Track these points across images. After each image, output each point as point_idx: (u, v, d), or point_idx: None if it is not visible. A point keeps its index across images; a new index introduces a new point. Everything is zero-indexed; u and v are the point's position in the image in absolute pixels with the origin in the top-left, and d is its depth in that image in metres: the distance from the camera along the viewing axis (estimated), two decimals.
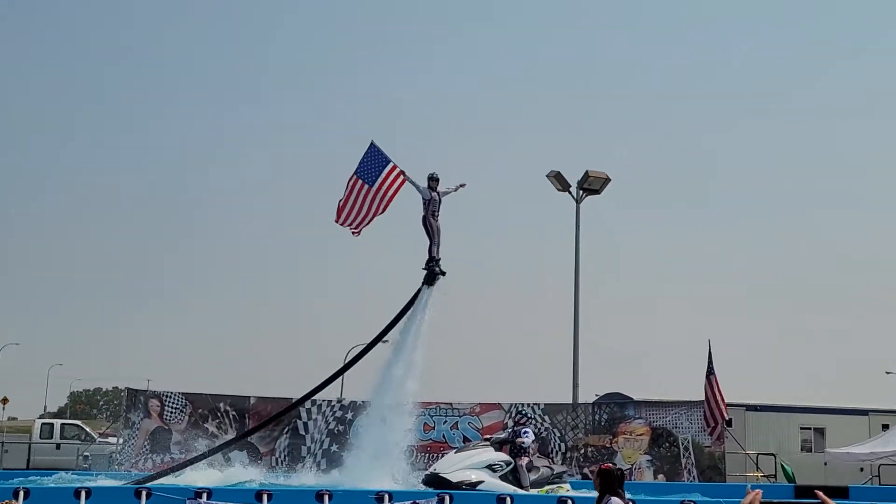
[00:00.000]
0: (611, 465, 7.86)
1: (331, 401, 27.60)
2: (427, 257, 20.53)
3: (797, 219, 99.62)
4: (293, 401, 27.38)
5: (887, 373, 65.41)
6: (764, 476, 26.38)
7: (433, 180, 20.33)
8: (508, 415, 26.40)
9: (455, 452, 18.45)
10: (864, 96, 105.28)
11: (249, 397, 27.70)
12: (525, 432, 17.44)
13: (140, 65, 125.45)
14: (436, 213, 20.32)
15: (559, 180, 30.94)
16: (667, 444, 26.12)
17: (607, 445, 26.47)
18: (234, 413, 27.19)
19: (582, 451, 26.51)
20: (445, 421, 26.71)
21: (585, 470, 25.99)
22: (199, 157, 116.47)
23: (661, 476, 25.65)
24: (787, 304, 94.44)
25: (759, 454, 27.42)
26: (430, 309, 20.50)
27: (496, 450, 17.36)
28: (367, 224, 20.33)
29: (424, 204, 20.34)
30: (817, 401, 33.06)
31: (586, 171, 30.90)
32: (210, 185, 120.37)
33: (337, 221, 20.38)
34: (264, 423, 24.59)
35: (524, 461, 17.24)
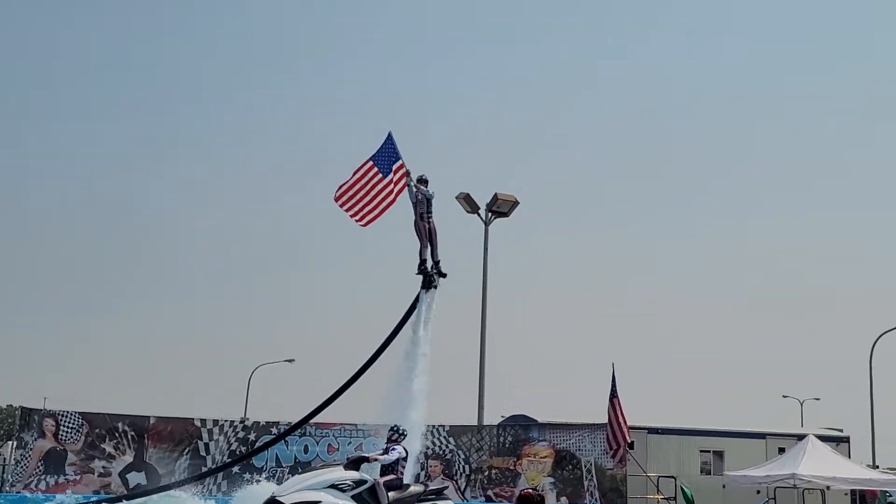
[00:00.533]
0: (531, 490, 7.72)
1: (233, 421, 27.17)
2: (419, 261, 19.98)
3: (699, 242, 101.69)
4: (194, 420, 26.91)
5: (784, 396, 67.25)
6: (664, 498, 26.73)
7: (422, 182, 19.84)
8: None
9: (300, 473, 17.78)
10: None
11: (149, 417, 27.08)
12: (392, 449, 17.05)
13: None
14: (424, 215, 19.81)
15: (468, 202, 31.11)
16: (570, 467, 26.30)
17: (511, 468, 26.55)
18: (132, 433, 26.56)
19: (486, 473, 26.54)
20: (350, 442, 26.48)
21: (489, 492, 26.05)
22: (105, 166, 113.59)
23: (563, 499, 25.81)
24: (689, 327, 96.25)
25: (659, 477, 27.79)
26: (435, 313, 19.97)
27: (352, 468, 16.72)
28: (375, 218, 19.78)
29: (413, 207, 19.88)
30: (717, 424, 33.63)
31: (495, 194, 31.14)
32: (115, 197, 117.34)
33: (336, 200, 19.68)
34: (271, 442, 23.84)
35: (386, 478, 16.77)
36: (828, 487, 28.15)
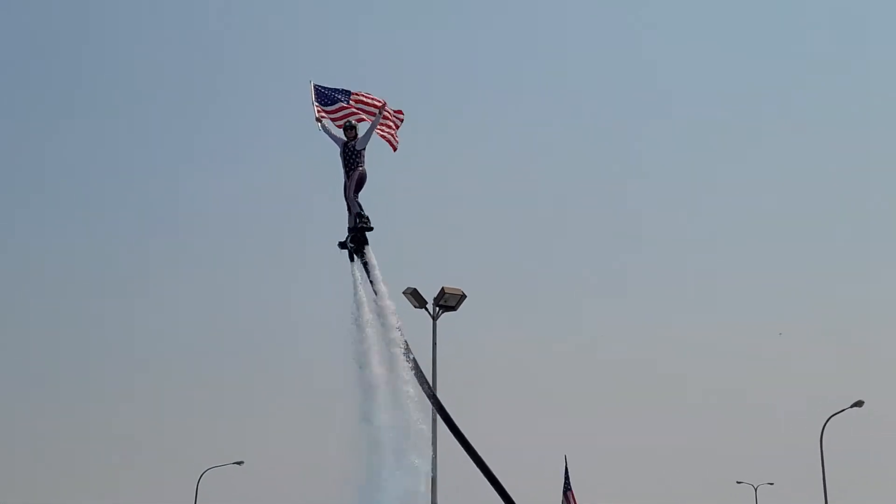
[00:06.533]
0: None
1: None
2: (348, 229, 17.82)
3: (640, 329, 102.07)
4: None
5: (738, 482, 66.96)
6: None
7: (350, 129, 18.04)
8: None
9: None
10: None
11: None
12: None
13: None
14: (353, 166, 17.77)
15: (415, 297, 31.09)
16: None
17: None
18: None
19: None
20: None
21: None
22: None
23: None
24: (638, 415, 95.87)
25: None
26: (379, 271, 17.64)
27: None
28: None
29: (343, 158, 17.96)
30: None
31: (442, 288, 31.17)
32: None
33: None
34: None
35: None
36: None
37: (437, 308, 31.28)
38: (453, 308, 31.46)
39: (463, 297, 31.49)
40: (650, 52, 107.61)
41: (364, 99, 18.65)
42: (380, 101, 18.58)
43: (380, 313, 17.65)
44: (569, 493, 24.77)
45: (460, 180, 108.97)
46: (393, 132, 18.74)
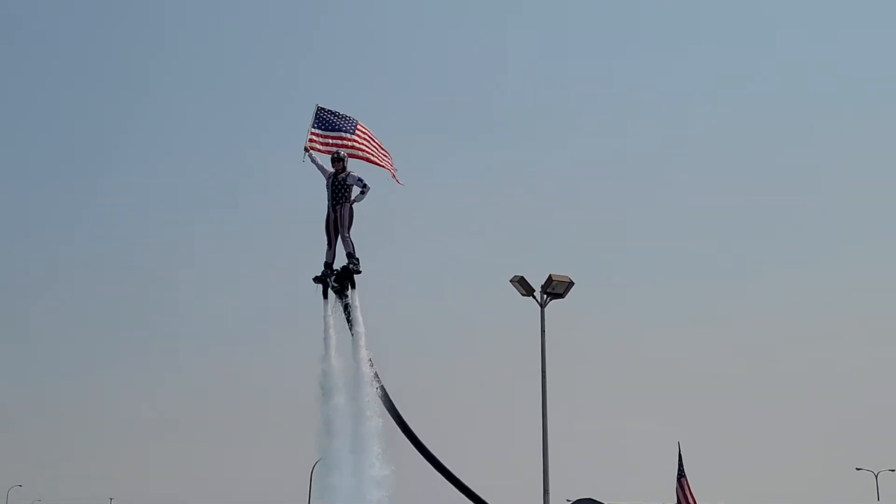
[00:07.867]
0: None
1: None
2: (324, 264, 17.49)
3: (760, 317, 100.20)
4: None
5: (858, 469, 65.11)
6: None
7: (339, 161, 17.45)
8: None
9: None
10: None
11: None
12: None
13: None
14: (341, 201, 17.28)
15: (523, 285, 31.04)
16: None
17: None
18: None
19: None
20: None
21: None
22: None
23: None
24: (754, 396, 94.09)
25: None
26: (362, 314, 17.43)
27: None
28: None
29: (329, 189, 17.50)
30: (789, 501, 32.85)
31: (550, 275, 31.05)
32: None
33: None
34: None
35: None
36: None
37: (545, 296, 31.19)
38: (561, 295, 31.32)
39: (571, 284, 31.31)
40: None
41: (369, 134, 17.98)
42: (385, 156, 18.07)
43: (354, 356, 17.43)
44: (683, 479, 24.52)
45: (568, 169, 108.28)
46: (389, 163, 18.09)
